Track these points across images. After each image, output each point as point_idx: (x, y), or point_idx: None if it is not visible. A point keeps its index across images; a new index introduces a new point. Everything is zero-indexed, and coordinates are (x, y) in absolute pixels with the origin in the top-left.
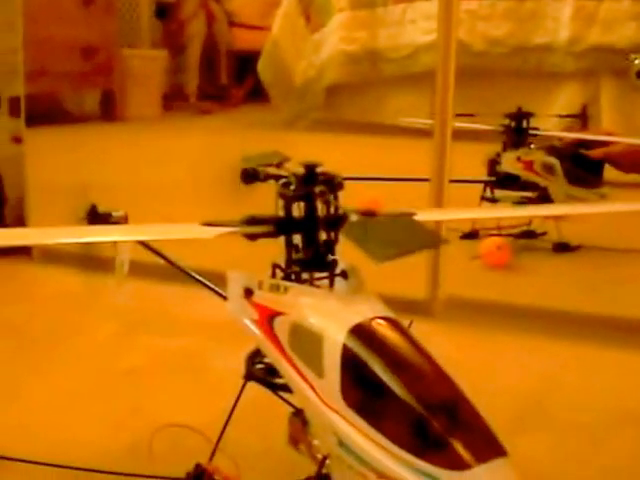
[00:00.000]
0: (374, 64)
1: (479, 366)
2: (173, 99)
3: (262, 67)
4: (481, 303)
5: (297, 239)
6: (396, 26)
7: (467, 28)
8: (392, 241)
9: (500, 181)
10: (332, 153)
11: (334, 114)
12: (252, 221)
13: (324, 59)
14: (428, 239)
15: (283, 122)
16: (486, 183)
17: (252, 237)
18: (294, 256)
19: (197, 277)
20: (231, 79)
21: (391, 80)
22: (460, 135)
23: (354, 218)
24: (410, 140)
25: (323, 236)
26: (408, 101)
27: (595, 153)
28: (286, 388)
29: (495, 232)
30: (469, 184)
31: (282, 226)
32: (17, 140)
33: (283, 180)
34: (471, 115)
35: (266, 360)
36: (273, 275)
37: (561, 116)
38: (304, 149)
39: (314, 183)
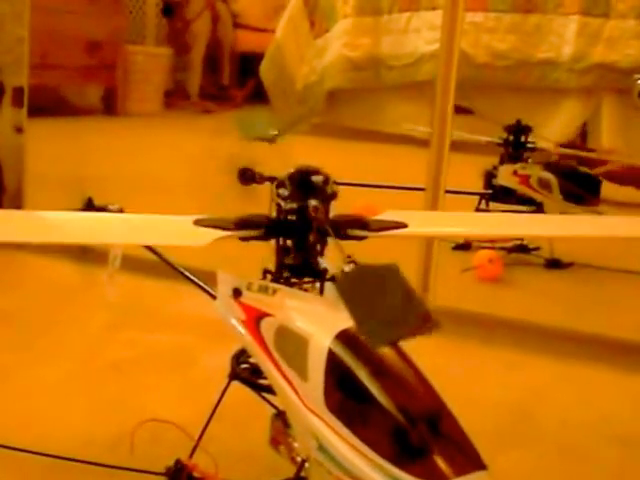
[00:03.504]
0: (376, 71)
1: (464, 378)
2: (175, 97)
3: (264, 69)
4: (470, 315)
5: (289, 243)
6: (400, 34)
7: (471, 40)
8: (386, 320)
9: (496, 194)
10: (330, 158)
11: (334, 119)
12: (244, 223)
13: (326, 64)
14: (421, 322)
15: (282, 125)
16: (482, 195)
17: (244, 239)
18: (284, 260)
19: (188, 275)
20: (233, 80)
21: (392, 88)
22: (458, 146)
23: (346, 269)
24: (408, 148)
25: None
26: (408, 109)
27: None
28: (269, 389)
29: (488, 245)
30: (464, 195)
31: (274, 229)
32: (19, 130)
33: (278, 183)
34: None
35: (251, 360)
36: (264, 280)
37: (561, 145)
38: (302, 153)
39: (308, 188)
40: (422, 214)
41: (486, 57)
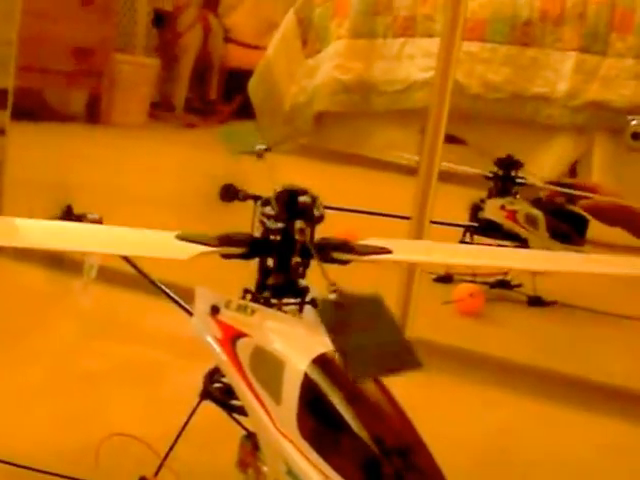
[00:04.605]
0: (366, 95)
1: (439, 413)
2: (160, 108)
3: (253, 87)
4: (448, 349)
5: (271, 263)
6: (393, 60)
7: (465, 70)
8: (371, 355)
9: (481, 228)
10: (314, 180)
11: (321, 141)
12: (227, 241)
13: (316, 85)
14: (406, 358)
15: (268, 144)
16: (467, 228)
17: (226, 256)
18: (266, 279)
19: (165, 290)
20: (220, 95)
21: (382, 113)
22: (446, 177)
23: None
24: (395, 176)
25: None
26: (396, 136)
27: (582, 204)
28: (241, 410)
29: (470, 278)
30: (449, 227)
31: (256, 248)
32: (0, 132)
33: (262, 201)
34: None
35: (224, 380)
36: (243, 299)
37: (549, 182)
38: (286, 173)
39: (295, 209)
40: (406, 242)
41: (479, 88)
